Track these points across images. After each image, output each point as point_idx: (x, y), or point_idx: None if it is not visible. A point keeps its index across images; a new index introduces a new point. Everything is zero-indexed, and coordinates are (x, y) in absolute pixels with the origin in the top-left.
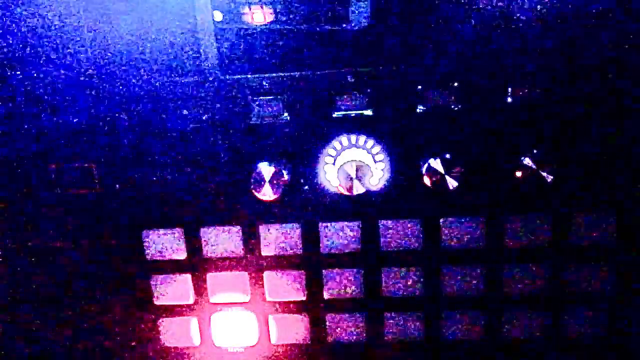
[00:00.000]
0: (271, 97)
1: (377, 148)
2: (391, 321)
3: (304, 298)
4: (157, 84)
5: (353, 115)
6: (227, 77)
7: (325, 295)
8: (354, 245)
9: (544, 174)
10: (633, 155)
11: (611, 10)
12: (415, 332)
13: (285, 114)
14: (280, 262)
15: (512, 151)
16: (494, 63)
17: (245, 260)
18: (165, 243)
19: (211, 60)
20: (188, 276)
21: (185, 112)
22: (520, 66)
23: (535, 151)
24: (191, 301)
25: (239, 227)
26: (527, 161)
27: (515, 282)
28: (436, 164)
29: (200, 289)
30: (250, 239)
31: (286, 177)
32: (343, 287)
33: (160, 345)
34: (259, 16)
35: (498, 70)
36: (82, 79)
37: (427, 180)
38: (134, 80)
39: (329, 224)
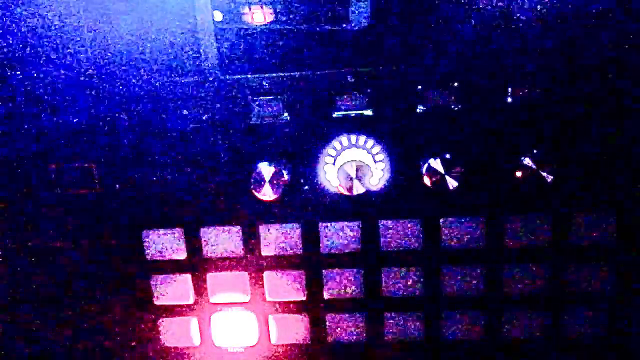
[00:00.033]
0: (271, 97)
1: (377, 148)
2: (391, 321)
3: (304, 298)
4: (157, 84)
5: (353, 115)
6: (227, 77)
7: (325, 295)
8: (354, 245)
9: (544, 174)
10: (633, 155)
11: (611, 10)
12: (415, 332)
13: (285, 114)
14: (280, 262)
15: (512, 151)
16: (494, 63)
17: (245, 260)
18: (165, 243)
19: (211, 60)
20: (188, 276)
21: (185, 112)
22: (520, 66)
23: (535, 151)
24: (191, 301)
25: (239, 227)
26: (527, 161)
27: (515, 282)
28: (436, 164)
29: (200, 289)
30: (250, 239)
31: (286, 177)
32: (343, 287)
33: (160, 345)
34: (259, 16)
35: (498, 70)
36: (82, 79)
37: (427, 180)
38: (134, 80)
39: (329, 224)
